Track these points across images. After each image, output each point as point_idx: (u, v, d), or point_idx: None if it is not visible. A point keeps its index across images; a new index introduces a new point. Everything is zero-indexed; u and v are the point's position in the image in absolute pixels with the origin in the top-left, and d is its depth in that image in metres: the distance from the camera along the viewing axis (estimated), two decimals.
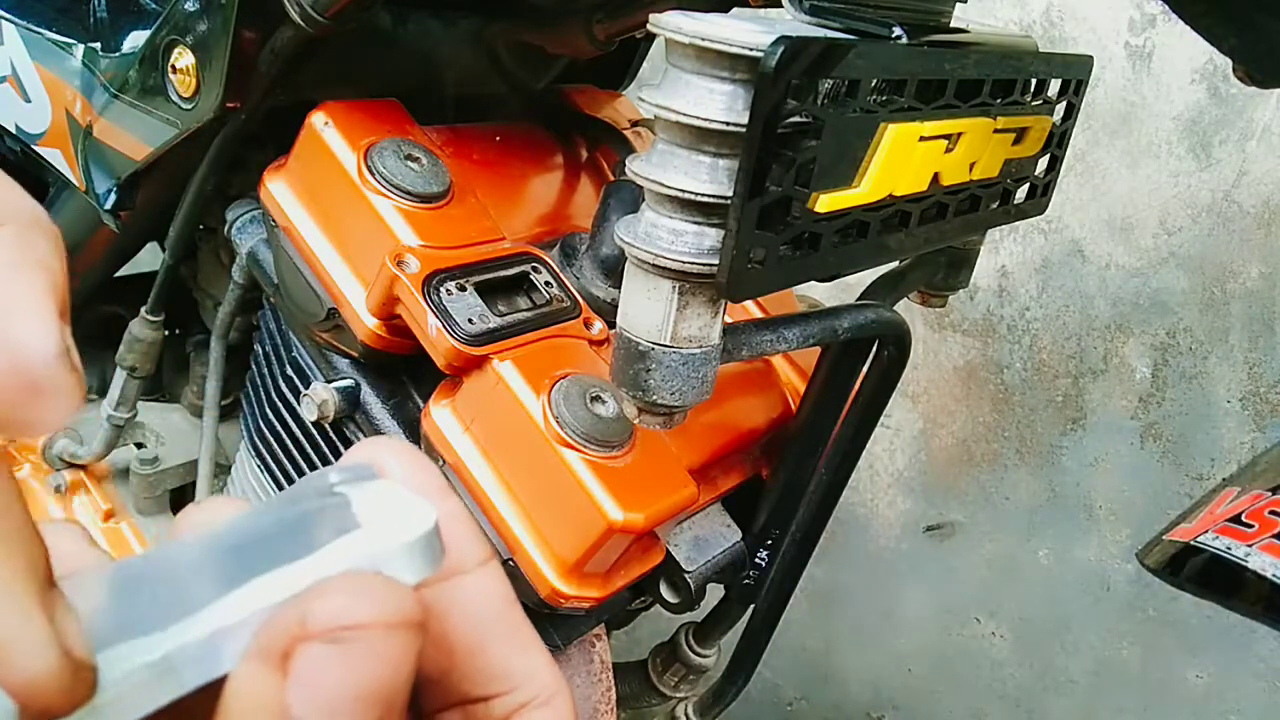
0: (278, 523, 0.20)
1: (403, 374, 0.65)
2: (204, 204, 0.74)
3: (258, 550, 0.19)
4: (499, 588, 0.22)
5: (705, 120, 0.39)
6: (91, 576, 0.19)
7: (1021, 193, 0.59)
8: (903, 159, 0.45)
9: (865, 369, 0.64)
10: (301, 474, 0.70)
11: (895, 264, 0.69)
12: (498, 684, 0.21)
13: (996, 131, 0.51)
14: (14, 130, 0.85)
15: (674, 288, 0.42)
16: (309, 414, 0.63)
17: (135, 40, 0.73)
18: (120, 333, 0.83)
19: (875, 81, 0.42)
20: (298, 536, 0.19)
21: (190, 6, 0.64)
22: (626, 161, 0.43)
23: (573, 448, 0.55)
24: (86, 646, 0.17)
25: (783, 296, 0.74)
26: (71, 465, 0.93)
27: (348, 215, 0.61)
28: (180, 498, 0.96)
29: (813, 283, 0.49)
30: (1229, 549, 0.46)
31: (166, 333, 0.85)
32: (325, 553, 0.19)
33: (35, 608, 0.16)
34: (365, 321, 0.61)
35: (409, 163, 0.62)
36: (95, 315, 1.01)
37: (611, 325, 0.64)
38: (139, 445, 0.94)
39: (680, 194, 0.40)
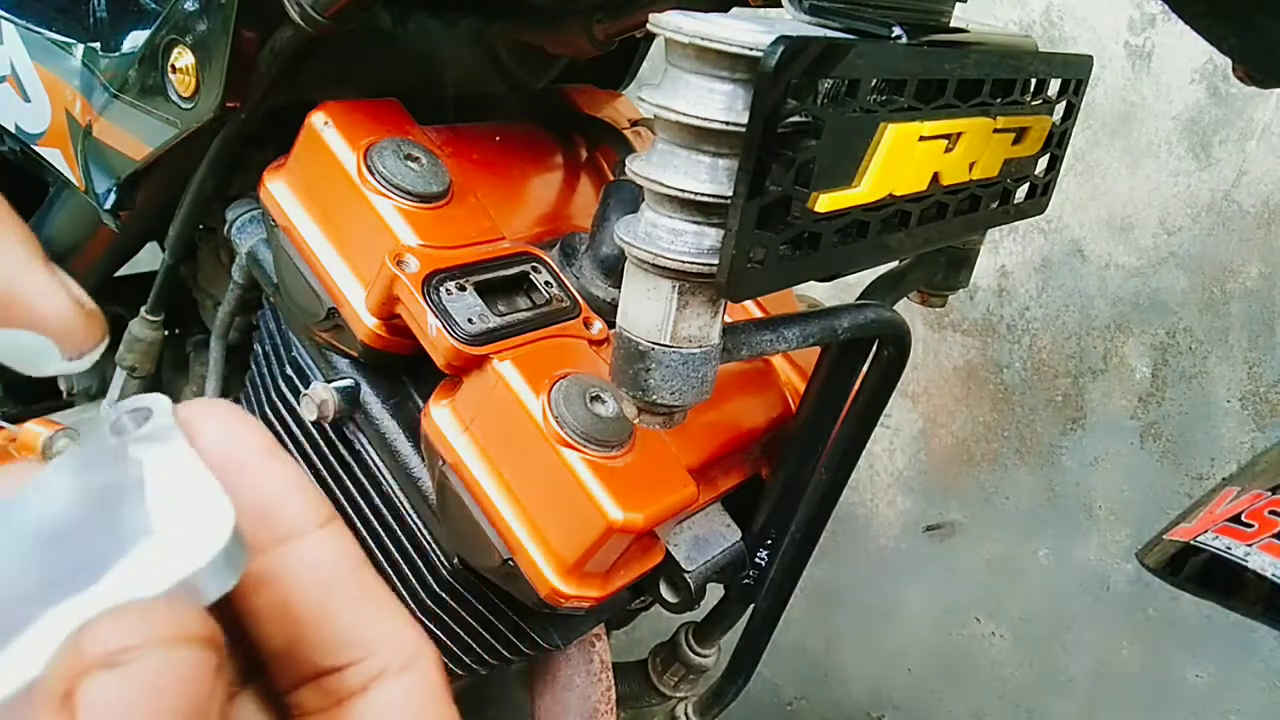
0: (69, 519, 0.18)
1: (402, 374, 0.65)
2: (204, 204, 0.74)
3: (50, 564, 0.17)
4: (342, 550, 0.21)
5: (705, 120, 0.39)
6: None
7: (1021, 192, 0.59)
8: (902, 159, 0.45)
9: (865, 369, 0.64)
10: None
11: (895, 264, 0.69)
12: (349, 652, 0.20)
13: (996, 131, 0.51)
14: (13, 130, 0.85)
15: (674, 287, 0.42)
16: (308, 414, 0.63)
17: (135, 40, 0.73)
18: (120, 333, 0.83)
19: (875, 81, 0.42)
20: (90, 547, 0.17)
21: (190, 6, 0.64)
22: (626, 161, 0.43)
23: (572, 447, 0.55)
24: (91, 302, 0.19)
25: (782, 296, 0.74)
26: None
27: (347, 215, 0.61)
28: None
29: (812, 282, 0.49)
30: (1229, 549, 0.46)
31: (166, 332, 0.85)
32: (115, 576, 0.17)
33: (48, 271, 0.19)
34: (365, 321, 0.61)
35: (409, 162, 0.62)
36: None
37: (611, 325, 0.64)
38: None
39: (680, 194, 0.40)
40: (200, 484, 0.18)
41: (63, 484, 0.19)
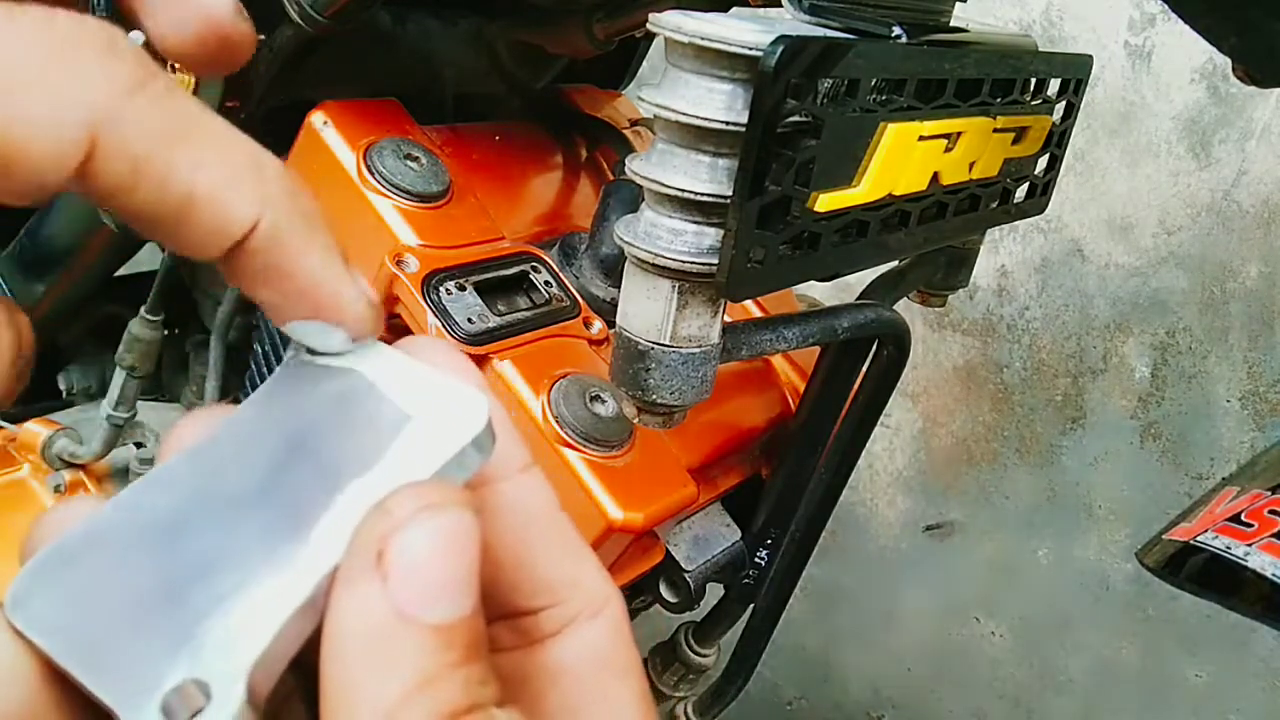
0: (319, 420, 0.20)
1: None
2: None
3: (321, 460, 0.20)
4: (542, 494, 0.22)
5: (705, 120, 0.39)
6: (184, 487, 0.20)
7: (1021, 192, 0.59)
8: (902, 158, 0.45)
9: (865, 368, 0.64)
10: None
11: (895, 263, 0.69)
12: (545, 596, 0.21)
13: (996, 131, 0.51)
14: None
15: (673, 287, 0.42)
16: None
17: (134, 39, 0.73)
18: (120, 332, 0.83)
19: (875, 81, 0.42)
20: (353, 439, 0.20)
21: None
22: (626, 161, 0.43)
23: (572, 447, 0.55)
24: (373, 292, 0.22)
25: (782, 296, 0.74)
26: (71, 465, 0.92)
27: (347, 215, 0.61)
28: None
29: (812, 282, 0.49)
30: (1228, 548, 0.46)
31: (166, 332, 0.85)
32: (391, 458, 0.19)
33: (348, 273, 0.21)
34: None
35: (408, 162, 0.62)
36: (95, 315, 1.01)
37: (611, 325, 0.64)
38: (138, 445, 0.94)
39: (680, 193, 0.40)
40: (434, 379, 0.21)
41: (292, 399, 0.21)
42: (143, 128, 0.18)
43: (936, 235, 0.52)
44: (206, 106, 0.20)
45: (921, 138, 0.45)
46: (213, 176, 0.19)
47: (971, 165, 0.51)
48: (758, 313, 0.72)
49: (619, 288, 0.46)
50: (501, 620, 0.21)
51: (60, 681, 0.18)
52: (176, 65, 0.23)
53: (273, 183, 0.21)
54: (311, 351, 0.21)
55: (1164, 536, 0.50)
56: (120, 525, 0.19)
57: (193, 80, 0.65)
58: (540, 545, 0.21)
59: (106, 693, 0.17)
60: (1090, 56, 0.59)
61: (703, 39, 0.38)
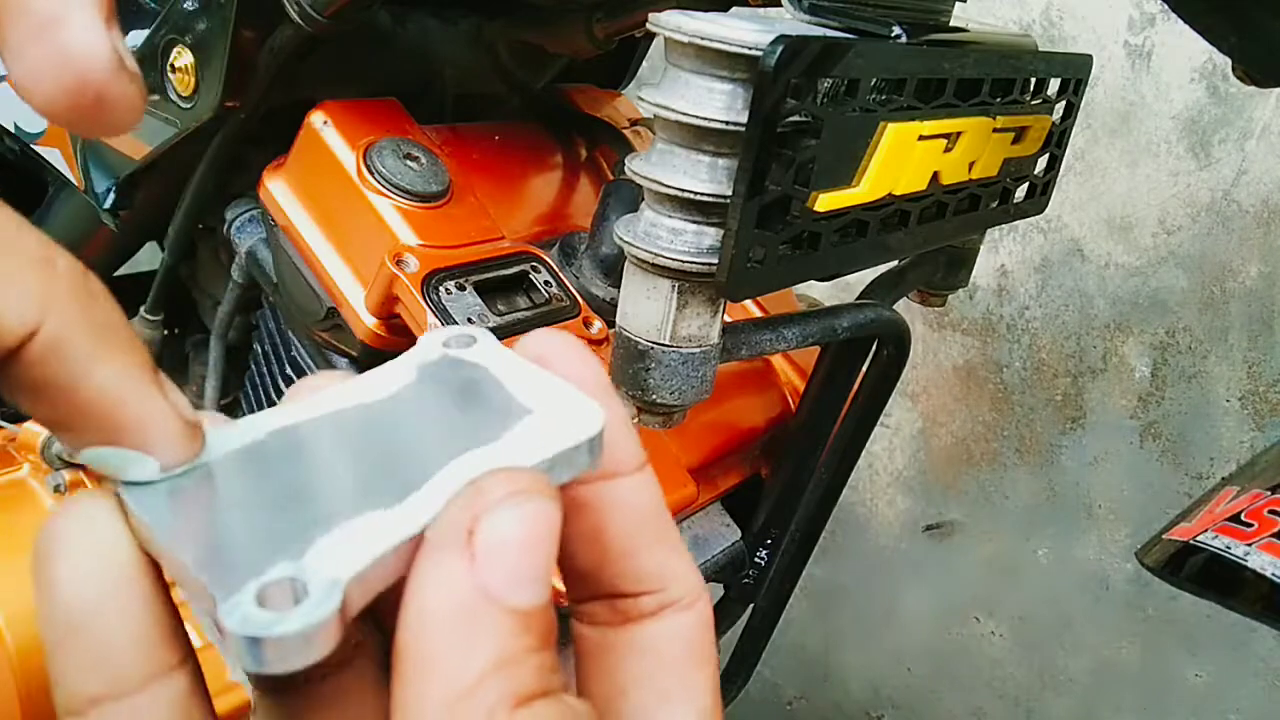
0: (433, 398, 0.21)
1: None
2: (203, 203, 0.74)
3: (435, 429, 0.20)
4: (653, 492, 0.23)
5: (705, 119, 0.39)
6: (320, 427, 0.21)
7: (1021, 192, 0.59)
8: (902, 158, 0.45)
9: (864, 368, 0.64)
10: None
11: (894, 263, 0.69)
12: (647, 583, 0.22)
13: (996, 131, 0.51)
14: (13, 129, 0.85)
15: (673, 287, 0.42)
16: None
17: (134, 39, 0.73)
18: None
19: (875, 81, 0.42)
20: (466, 415, 0.21)
21: (189, 6, 0.64)
22: (626, 161, 0.43)
23: None
24: (193, 411, 0.20)
25: (782, 296, 0.74)
26: (71, 465, 0.92)
27: (347, 214, 0.61)
28: None
29: (812, 282, 0.49)
30: (1228, 548, 0.46)
31: (165, 332, 0.85)
32: (507, 441, 0.20)
33: (156, 390, 0.19)
34: (364, 321, 0.61)
35: (408, 162, 0.62)
36: None
37: (611, 324, 0.64)
38: None
39: (680, 193, 0.40)
40: (556, 383, 0.21)
41: (411, 374, 0.22)
42: None
43: (936, 235, 0.52)
44: None
45: (921, 137, 0.45)
46: None
47: (971, 165, 0.51)
48: (758, 313, 0.72)
49: (619, 288, 0.46)
50: (602, 599, 0.22)
51: (153, 571, 0.18)
52: None
53: (61, 284, 0.18)
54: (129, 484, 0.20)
55: (1164, 536, 0.50)
56: (240, 444, 0.20)
57: (193, 82, 0.65)
58: (646, 538, 0.22)
59: (206, 574, 0.17)
60: (1090, 56, 0.59)
61: (703, 39, 0.38)
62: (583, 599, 0.23)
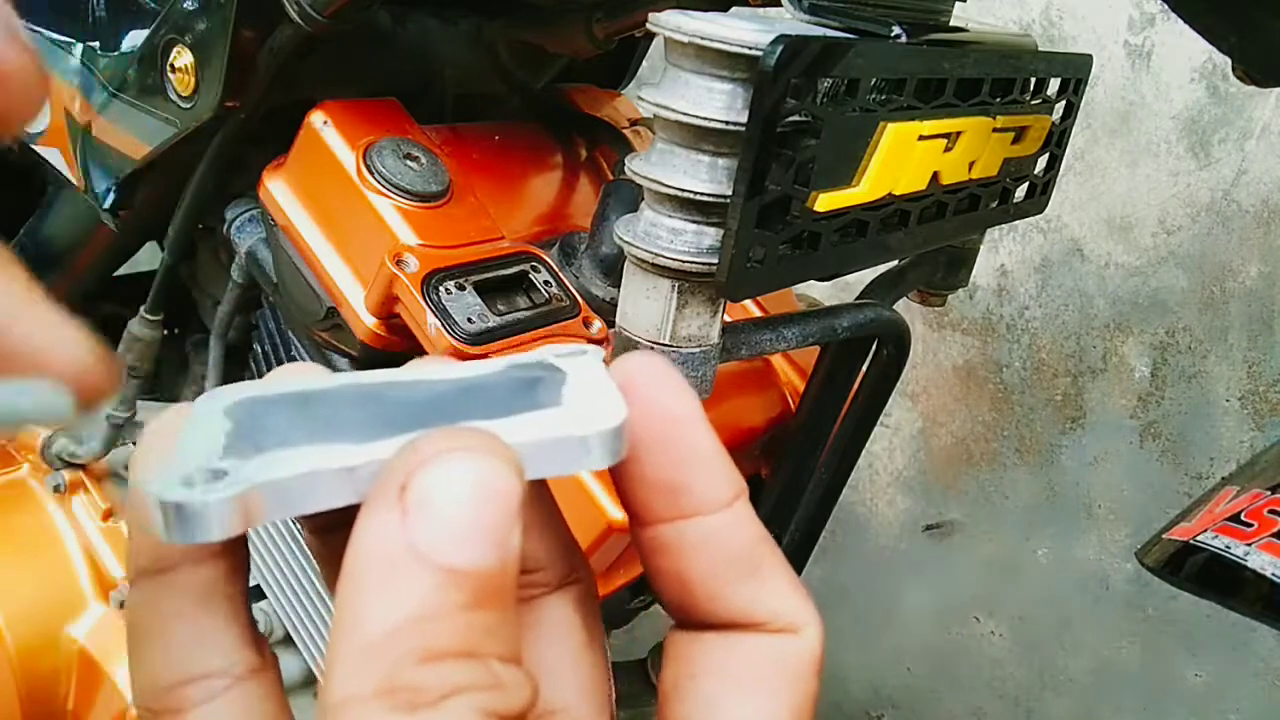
0: (491, 383, 0.22)
1: None
2: (203, 203, 0.74)
3: (462, 402, 0.21)
4: (741, 530, 0.22)
5: (704, 119, 0.39)
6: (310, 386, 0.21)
7: (1021, 192, 0.59)
8: (902, 158, 0.45)
9: (864, 368, 0.64)
10: None
11: (894, 263, 0.69)
12: (739, 620, 0.22)
13: (996, 130, 0.51)
14: None
15: (673, 287, 0.42)
16: None
17: (134, 39, 0.73)
18: (119, 332, 0.83)
19: (874, 81, 0.42)
20: (502, 398, 0.21)
21: (189, 5, 0.64)
22: (626, 161, 0.43)
23: None
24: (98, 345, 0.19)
25: (782, 295, 0.74)
26: (70, 465, 0.92)
27: (347, 214, 0.61)
28: None
29: (812, 282, 0.49)
30: (1228, 548, 0.46)
31: (165, 332, 0.85)
32: (512, 420, 0.20)
33: (50, 307, 0.18)
34: (364, 320, 0.61)
35: (408, 162, 0.62)
36: (94, 315, 1.01)
37: (611, 324, 0.64)
38: (138, 444, 0.94)
39: (679, 193, 0.40)
40: (610, 393, 0.21)
41: (499, 366, 0.23)
42: None
43: (936, 235, 0.52)
44: None
45: (921, 137, 0.45)
46: None
47: (971, 165, 0.51)
48: (758, 313, 0.72)
49: (619, 287, 0.46)
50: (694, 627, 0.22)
51: None
52: None
53: None
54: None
55: (1164, 536, 0.50)
56: (300, 388, 0.21)
57: (193, 82, 0.65)
58: (733, 581, 0.21)
59: (172, 458, 0.19)
60: (1090, 56, 0.59)
61: (703, 39, 0.38)
62: (678, 623, 0.23)
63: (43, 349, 0.18)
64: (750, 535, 0.22)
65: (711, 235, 0.41)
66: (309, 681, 0.77)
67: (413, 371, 0.22)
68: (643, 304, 0.43)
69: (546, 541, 0.22)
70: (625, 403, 0.21)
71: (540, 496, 0.22)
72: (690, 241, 0.42)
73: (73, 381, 0.18)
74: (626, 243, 0.42)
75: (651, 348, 0.44)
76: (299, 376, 0.22)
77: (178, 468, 0.18)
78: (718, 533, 0.21)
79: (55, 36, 0.78)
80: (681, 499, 0.21)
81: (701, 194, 0.40)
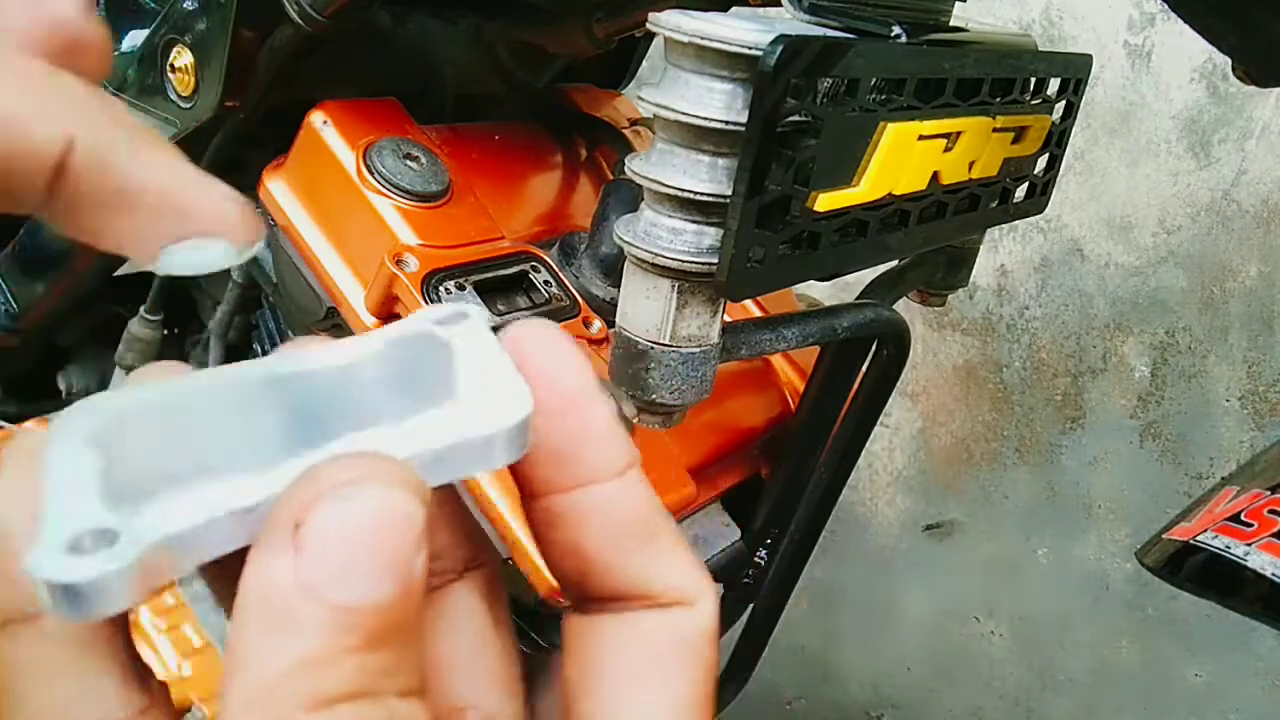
0: (375, 369, 0.20)
1: None
2: None
3: (347, 398, 0.20)
4: (639, 496, 0.21)
5: (704, 119, 0.39)
6: (202, 385, 0.20)
7: (1020, 192, 0.59)
8: (902, 158, 0.45)
9: (864, 368, 0.64)
10: None
11: (894, 263, 0.69)
12: (633, 591, 0.21)
13: (996, 130, 0.51)
14: None
15: (673, 287, 0.42)
16: None
17: (133, 39, 0.73)
18: (119, 332, 0.83)
19: (874, 80, 0.42)
20: (390, 388, 0.20)
21: (189, 5, 0.64)
22: (625, 160, 0.43)
23: None
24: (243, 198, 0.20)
25: (782, 295, 0.74)
26: None
27: (347, 214, 0.61)
28: None
29: (812, 282, 0.49)
30: (1228, 548, 0.46)
31: (165, 332, 0.85)
32: (407, 425, 0.19)
33: (204, 176, 0.19)
34: (364, 320, 0.61)
35: (408, 162, 0.62)
36: (95, 315, 1.01)
37: (610, 324, 0.64)
38: None
39: (679, 193, 0.40)
40: (505, 373, 0.20)
41: (376, 348, 0.21)
42: None
43: (936, 235, 0.52)
44: None
45: (921, 137, 0.45)
46: (1, 97, 0.17)
47: (971, 165, 0.51)
48: (758, 312, 0.72)
49: (618, 287, 0.46)
50: (591, 601, 0.22)
51: None
52: None
53: (78, 95, 0.18)
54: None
55: (1164, 536, 0.50)
56: (162, 396, 0.20)
57: (193, 82, 0.65)
58: (629, 550, 0.21)
59: (48, 514, 0.17)
60: (1090, 56, 0.59)
61: (702, 38, 0.38)
62: (578, 598, 0.22)
63: (209, 210, 0.19)
64: (645, 504, 0.22)
65: (711, 235, 0.41)
66: None
67: (286, 358, 0.21)
68: (643, 304, 0.43)
69: (445, 530, 0.22)
70: (526, 387, 0.20)
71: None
72: (690, 241, 0.42)
73: (230, 231, 0.19)
74: (626, 242, 0.42)
75: (652, 348, 0.44)
76: (159, 377, 0.20)
77: (56, 528, 0.17)
78: (612, 501, 0.21)
79: None
80: (576, 468, 0.21)
81: (701, 194, 0.40)
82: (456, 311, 0.22)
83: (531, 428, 0.20)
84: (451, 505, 0.22)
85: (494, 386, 0.20)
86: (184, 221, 0.19)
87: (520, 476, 0.21)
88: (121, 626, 0.20)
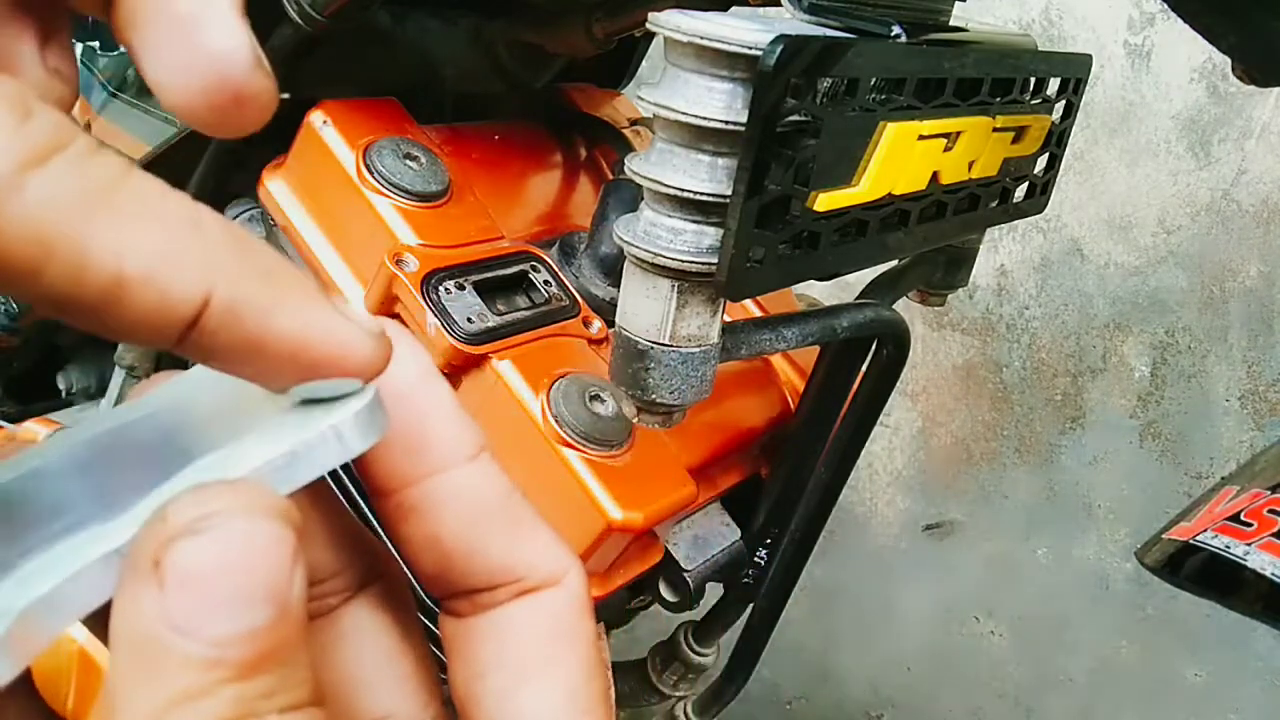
0: (214, 403, 0.20)
1: None
2: (203, 203, 0.74)
3: (191, 434, 0.19)
4: (489, 483, 0.21)
5: (704, 119, 0.39)
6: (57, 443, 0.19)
7: (1020, 191, 0.59)
8: (902, 158, 0.45)
9: (864, 368, 0.64)
10: None
11: (894, 263, 0.69)
12: (499, 577, 0.21)
13: (995, 130, 0.51)
14: None
15: (673, 286, 0.42)
16: None
17: None
18: None
19: (874, 80, 0.42)
20: (231, 419, 0.19)
21: None
22: (625, 160, 0.43)
23: (572, 447, 0.55)
24: (371, 319, 0.19)
25: (782, 295, 0.74)
26: None
27: (346, 214, 0.61)
28: None
29: (812, 282, 0.49)
30: (1228, 547, 0.46)
31: None
32: (249, 440, 0.19)
33: (337, 313, 0.18)
34: None
35: (408, 162, 0.62)
36: None
37: (610, 324, 0.64)
38: None
39: (679, 193, 0.40)
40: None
41: (197, 383, 0.21)
42: (51, 196, 0.15)
43: (936, 235, 0.52)
44: (133, 164, 0.17)
45: (921, 137, 0.45)
46: (143, 248, 0.16)
47: (971, 165, 0.51)
48: (758, 312, 0.72)
49: (618, 287, 0.46)
50: (459, 596, 0.21)
51: None
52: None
53: (218, 244, 0.17)
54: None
55: (1163, 536, 0.50)
56: (50, 451, 0.19)
57: None
58: (488, 533, 0.21)
59: None
60: (1090, 56, 0.59)
61: (702, 38, 0.38)
62: (442, 596, 0.22)
63: (342, 354, 0.18)
64: (499, 487, 0.21)
65: (711, 235, 0.41)
66: None
67: (126, 408, 0.20)
68: (642, 304, 0.43)
69: (334, 548, 0.21)
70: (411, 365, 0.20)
71: (320, 502, 0.21)
72: (690, 241, 0.42)
73: (363, 372, 0.19)
74: (626, 242, 0.42)
75: (652, 348, 0.44)
76: (17, 460, 0.19)
77: None
78: (466, 487, 0.21)
79: None
80: (425, 457, 0.21)
81: (701, 194, 0.40)
82: (329, 386, 0.21)
83: (382, 409, 0.19)
84: (338, 524, 0.22)
85: (340, 385, 0.19)
86: (314, 369, 0.18)
87: (369, 473, 0.21)
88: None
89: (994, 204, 0.56)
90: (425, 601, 0.26)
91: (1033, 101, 0.54)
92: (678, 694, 0.80)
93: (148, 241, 0.16)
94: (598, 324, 0.64)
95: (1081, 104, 0.60)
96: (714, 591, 0.71)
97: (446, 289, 0.58)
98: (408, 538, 0.21)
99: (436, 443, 0.21)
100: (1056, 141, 0.58)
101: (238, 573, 0.16)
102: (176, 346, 0.17)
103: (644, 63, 0.90)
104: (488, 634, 0.21)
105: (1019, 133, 0.54)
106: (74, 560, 0.17)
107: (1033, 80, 0.54)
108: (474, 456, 0.21)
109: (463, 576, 0.21)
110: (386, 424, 0.19)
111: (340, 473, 0.63)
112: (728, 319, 0.46)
